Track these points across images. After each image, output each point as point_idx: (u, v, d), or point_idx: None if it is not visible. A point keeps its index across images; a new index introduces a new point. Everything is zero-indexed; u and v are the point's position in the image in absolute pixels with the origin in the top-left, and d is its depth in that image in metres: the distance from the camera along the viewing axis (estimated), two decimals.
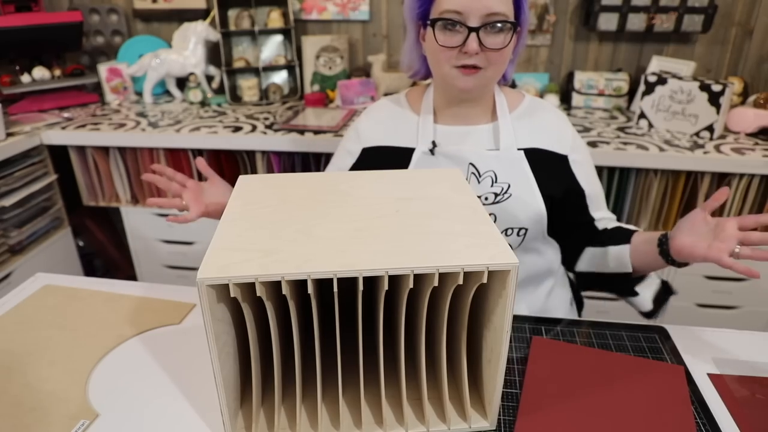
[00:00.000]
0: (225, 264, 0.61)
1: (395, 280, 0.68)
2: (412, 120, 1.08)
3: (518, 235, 1.04)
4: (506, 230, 1.04)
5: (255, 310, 0.67)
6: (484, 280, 0.62)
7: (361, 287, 0.62)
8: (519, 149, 1.02)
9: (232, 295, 0.60)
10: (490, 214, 1.02)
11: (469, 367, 0.75)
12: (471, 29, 0.90)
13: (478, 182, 1.02)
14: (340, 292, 0.64)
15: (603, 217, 1.12)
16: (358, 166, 1.12)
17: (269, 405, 0.73)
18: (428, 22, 0.94)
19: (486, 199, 1.02)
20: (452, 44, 0.92)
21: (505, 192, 1.01)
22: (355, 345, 0.69)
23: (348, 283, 0.64)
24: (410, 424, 0.71)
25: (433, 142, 1.03)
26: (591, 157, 1.12)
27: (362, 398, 0.71)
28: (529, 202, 1.01)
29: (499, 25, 0.90)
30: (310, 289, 0.61)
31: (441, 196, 0.80)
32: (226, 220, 0.71)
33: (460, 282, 0.62)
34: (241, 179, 0.85)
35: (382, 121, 1.10)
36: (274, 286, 0.63)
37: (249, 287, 0.62)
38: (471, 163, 1.02)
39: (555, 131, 1.05)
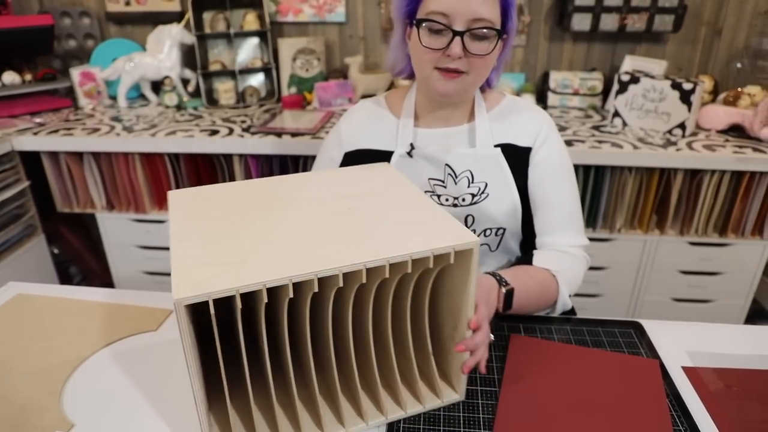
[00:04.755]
0: (198, 281, 0.59)
1: (354, 276, 0.68)
2: (391, 123, 1.08)
3: (496, 235, 1.05)
4: (485, 231, 1.05)
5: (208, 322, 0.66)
6: (452, 261, 0.66)
7: (341, 283, 0.63)
8: (495, 146, 1.02)
9: (212, 312, 0.58)
10: (467, 216, 1.03)
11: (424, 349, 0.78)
12: (456, 33, 0.89)
13: (455, 183, 1.02)
14: (305, 295, 0.64)
15: (553, 244, 1.03)
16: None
17: (240, 409, 0.73)
18: (414, 22, 0.93)
19: (463, 200, 1.02)
20: (436, 46, 0.91)
21: (482, 192, 1.02)
22: (320, 344, 0.70)
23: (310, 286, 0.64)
24: (389, 410, 0.74)
25: (411, 145, 1.03)
26: (567, 168, 1.05)
27: (339, 392, 0.72)
28: (505, 199, 1.02)
29: (484, 31, 0.90)
30: (291, 294, 0.61)
31: (383, 189, 0.83)
32: (178, 238, 0.69)
33: (431, 265, 0.65)
34: (172, 195, 0.82)
35: (362, 125, 1.10)
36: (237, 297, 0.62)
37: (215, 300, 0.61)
38: (447, 164, 1.02)
39: (527, 126, 1.04)
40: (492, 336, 0.80)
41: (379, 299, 0.70)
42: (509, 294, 0.89)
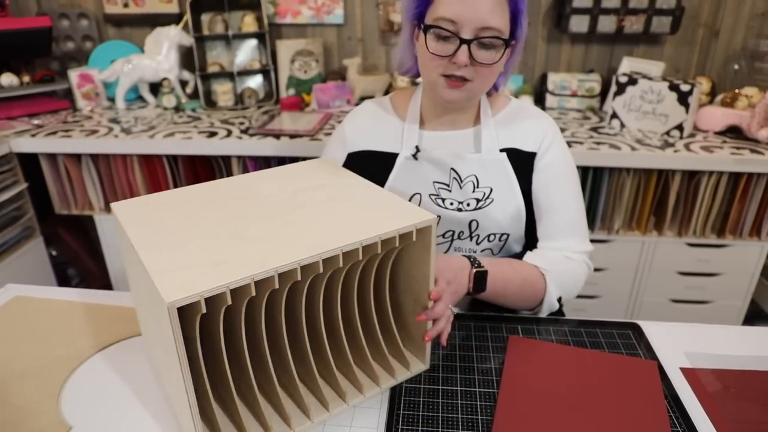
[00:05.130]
0: (184, 283, 0.58)
1: (330, 262, 0.69)
2: (396, 124, 1.08)
3: (500, 240, 1.05)
4: (488, 236, 1.04)
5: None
6: (414, 239, 0.72)
7: (321, 269, 0.65)
8: (501, 151, 1.02)
9: (203, 311, 0.58)
10: (472, 221, 1.02)
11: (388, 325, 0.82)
12: (463, 41, 0.89)
13: (460, 188, 1.02)
14: (283, 285, 0.66)
15: (555, 248, 1.03)
16: None
17: (222, 406, 0.74)
18: (422, 26, 0.93)
19: (468, 205, 1.01)
20: (443, 53, 0.91)
21: (487, 197, 1.01)
22: (294, 334, 0.72)
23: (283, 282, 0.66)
24: (366, 387, 0.79)
25: (417, 147, 1.03)
26: (571, 174, 1.04)
27: (317, 377, 0.74)
28: (510, 204, 1.01)
29: (491, 40, 0.89)
30: (277, 284, 0.62)
31: (330, 182, 0.86)
32: (144, 247, 0.67)
33: (397, 244, 0.71)
34: (116, 207, 0.78)
35: (366, 126, 1.10)
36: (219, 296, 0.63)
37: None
38: (452, 168, 1.02)
39: (532, 131, 1.04)
40: (453, 309, 0.81)
41: (345, 284, 0.74)
42: (480, 275, 0.89)
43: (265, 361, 0.69)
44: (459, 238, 1.05)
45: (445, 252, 1.07)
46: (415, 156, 1.03)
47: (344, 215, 0.75)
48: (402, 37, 1.03)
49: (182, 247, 0.67)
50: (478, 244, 1.05)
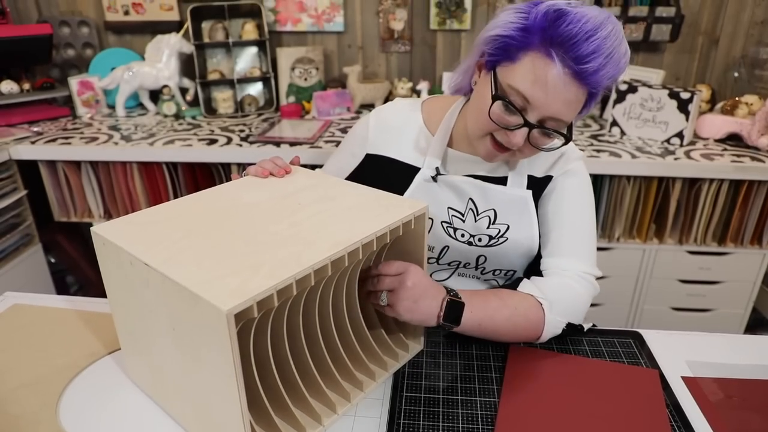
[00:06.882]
0: (230, 291, 0.57)
1: (352, 255, 0.70)
2: (423, 137, 1.02)
3: (505, 275, 1.03)
4: (494, 270, 1.01)
5: None
6: (413, 226, 0.77)
7: (347, 263, 0.68)
8: (528, 186, 0.97)
9: (255, 315, 0.58)
10: (480, 256, 0.99)
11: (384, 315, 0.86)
12: (527, 124, 0.83)
13: (475, 220, 0.97)
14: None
15: (559, 266, 0.95)
16: (359, 170, 1.07)
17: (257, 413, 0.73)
18: (492, 92, 0.84)
19: (480, 240, 0.97)
20: (503, 125, 0.84)
21: (501, 235, 0.96)
22: (309, 333, 0.73)
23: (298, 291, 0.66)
24: (377, 375, 0.82)
25: (437, 169, 0.98)
26: (587, 196, 1.00)
27: (335, 373, 0.76)
28: (524, 244, 0.97)
29: (554, 132, 0.85)
30: (313, 281, 0.64)
31: (310, 185, 0.88)
32: (163, 264, 0.63)
33: (401, 233, 0.75)
34: (98, 229, 0.74)
35: (392, 131, 1.04)
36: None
37: None
38: (471, 199, 0.97)
39: (551, 156, 0.98)
40: (384, 300, 0.80)
41: (349, 279, 0.77)
42: (453, 304, 0.81)
43: (287, 363, 0.70)
44: (464, 267, 1.02)
45: (447, 278, 1.05)
46: (434, 178, 0.98)
47: (344, 212, 0.77)
48: (465, 62, 0.96)
49: (205, 258, 0.65)
50: (482, 274, 1.02)
